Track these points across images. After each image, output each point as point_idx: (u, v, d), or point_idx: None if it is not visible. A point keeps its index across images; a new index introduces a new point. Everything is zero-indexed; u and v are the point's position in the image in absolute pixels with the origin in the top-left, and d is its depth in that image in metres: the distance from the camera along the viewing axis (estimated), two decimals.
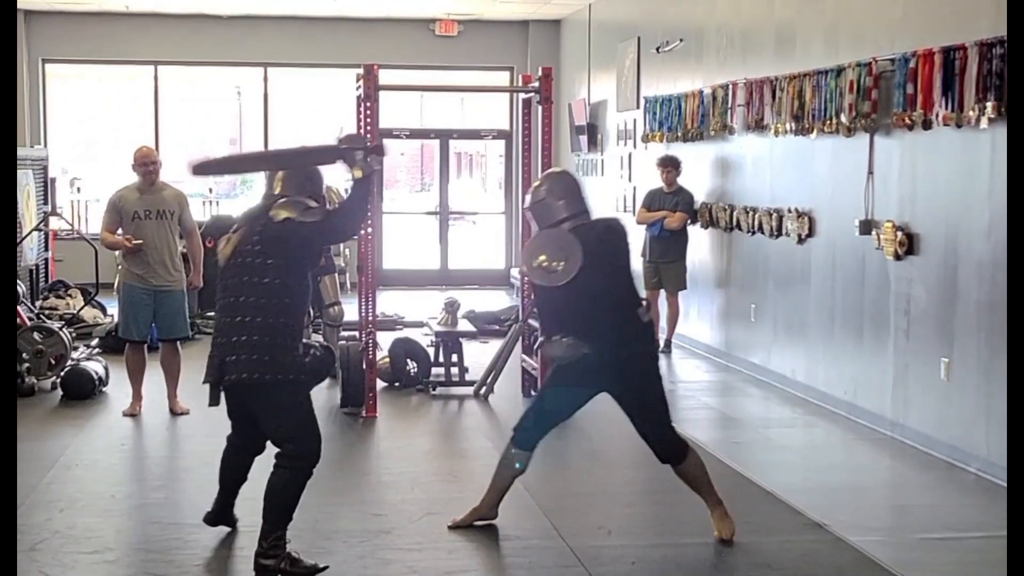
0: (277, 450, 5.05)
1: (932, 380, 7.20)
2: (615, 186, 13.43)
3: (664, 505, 6.22)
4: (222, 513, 5.54)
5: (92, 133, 17.73)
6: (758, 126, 9.44)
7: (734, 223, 10.07)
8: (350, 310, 9.94)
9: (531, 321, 8.80)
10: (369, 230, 8.29)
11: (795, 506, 6.09)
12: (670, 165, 10.82)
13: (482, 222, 18.26)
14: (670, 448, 5.57)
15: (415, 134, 17.11)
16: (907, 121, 7.21)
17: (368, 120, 8.19)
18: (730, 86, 10.05)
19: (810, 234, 8.80)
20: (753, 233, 9.69)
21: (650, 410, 5.52)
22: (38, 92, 16.06)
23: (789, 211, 9.06)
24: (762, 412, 8.71)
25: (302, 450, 4.98)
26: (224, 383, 4.98)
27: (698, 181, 10.83)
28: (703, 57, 10.88)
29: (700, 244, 10.87)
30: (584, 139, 14.65)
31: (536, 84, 8.62)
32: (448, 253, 16.58)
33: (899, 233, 7.48)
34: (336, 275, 9.88)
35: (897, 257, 7.52)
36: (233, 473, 5.44)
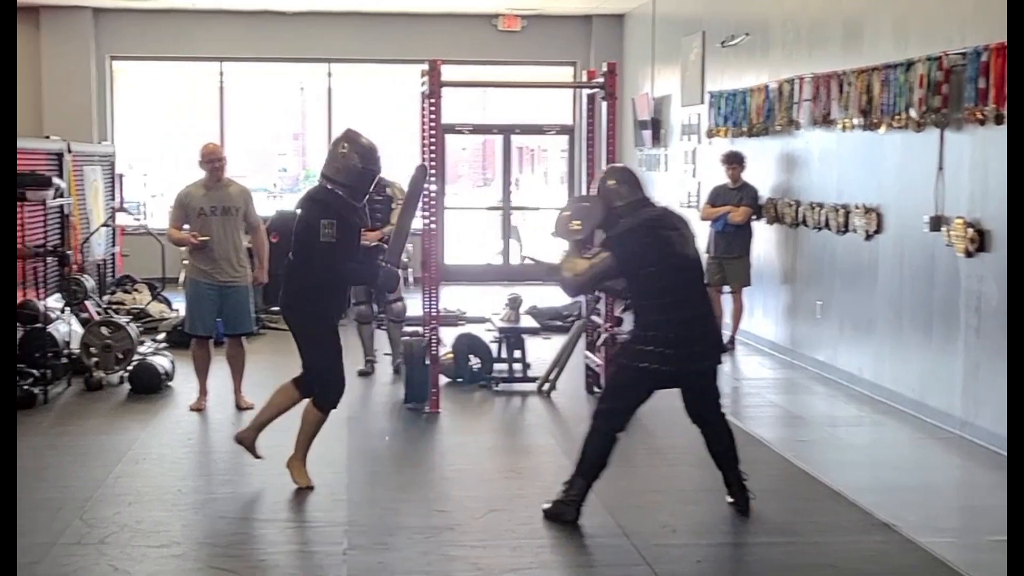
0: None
1: (1004, 379, 7.07)
2: (679, 181, 13.35)
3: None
4: (581, 503, 5.76)
5: (159, 129, 17.91)
6: (825, 121, 9.33)
7: (800, 219, 9.96)
8: (413, 305, 9.96)
9: (594, 317, 8.76)
10: (432, 225, 8.28)
11: (863, 506, 6.01)
12: (735, 161, 10.75)
13: (545, 217, 18.25)
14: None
15: (478, 129, 17.03)
16: (979, 116, 7.10)
17: (432, 116, 8.20)
18: (796, 80, 9.95)
19: (878, 230, 8.69)
20: (819, 229, 9.59)
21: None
22: (105, 89, 16.29)
23: (856, 207, 8.94)
24: (828, 410, 8.61)
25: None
26: (695, 370, 5.71)
27: (763, 177, 10.74)
28: (769, 51, 10.78)
29: (765, 240, 10.77)
30: (648, 134, 14.58)
31: (600, 80, 8.57)
32: (510, 248, 16.51)
33: (970, 230, 7.36)
34: (399, 270, 9.89)
35: (968, 254, 7.40)
36: (604, 463, 5.77)
